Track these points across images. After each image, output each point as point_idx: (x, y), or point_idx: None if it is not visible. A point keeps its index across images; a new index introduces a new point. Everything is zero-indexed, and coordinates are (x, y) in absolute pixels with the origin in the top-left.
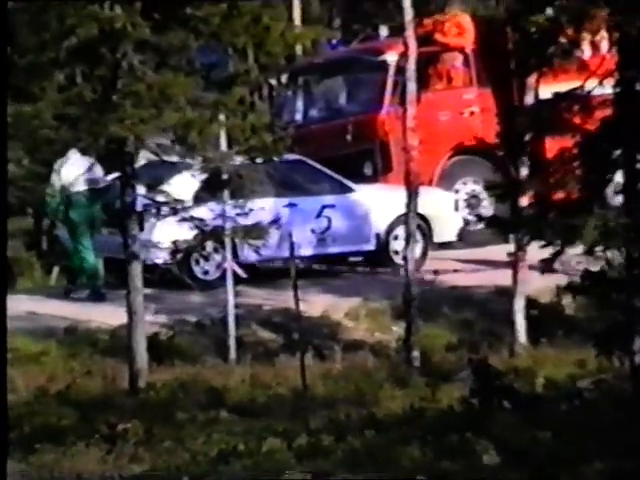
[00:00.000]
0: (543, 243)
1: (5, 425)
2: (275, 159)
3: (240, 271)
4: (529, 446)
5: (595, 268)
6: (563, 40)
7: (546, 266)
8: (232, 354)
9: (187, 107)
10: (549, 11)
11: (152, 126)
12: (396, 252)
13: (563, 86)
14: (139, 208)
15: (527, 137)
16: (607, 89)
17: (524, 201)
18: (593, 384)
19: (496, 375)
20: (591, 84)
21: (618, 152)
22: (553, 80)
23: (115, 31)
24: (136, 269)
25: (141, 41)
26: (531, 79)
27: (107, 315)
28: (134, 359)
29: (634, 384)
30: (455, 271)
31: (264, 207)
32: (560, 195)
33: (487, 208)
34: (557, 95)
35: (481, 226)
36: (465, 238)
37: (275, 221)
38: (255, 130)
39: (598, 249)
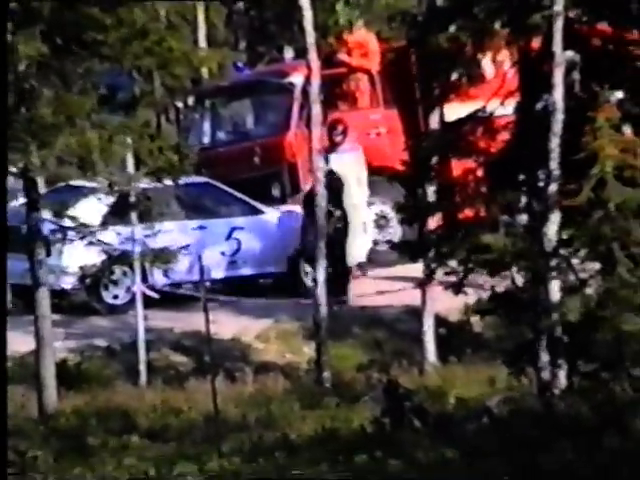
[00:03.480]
0: (448, 270)
1: (5, 426)
2: (183, 181)
3: (151, 292)
4: (439, 465)
5: (501, 287)
6: (463, 61)
7: (455, 289)
8: (143, 378)
9: (91, 131)
10: (451, 30)
11: (56, 151)
12: (306, 274)
13: (468, 107)
14: (46, 233)
15: (433, 159)
16: (509, 110)
17: (432, 223)
18: (502, 402)
19: (406, 395)
20: (493, 105)
21: (521, 173)
22: (458, 100)
23: (18, 56)
24: (43, 295)
25: (43, 65)
26: (436, 100)
27: (14, 342)
28: (43, 386)
29: (542, 401)
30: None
31: (173, 230)
32: (467, 216)
33: (395, 228)
34: (461, 118)
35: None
36: (374, 258)
37: (185, 247)
38: (162, 151)
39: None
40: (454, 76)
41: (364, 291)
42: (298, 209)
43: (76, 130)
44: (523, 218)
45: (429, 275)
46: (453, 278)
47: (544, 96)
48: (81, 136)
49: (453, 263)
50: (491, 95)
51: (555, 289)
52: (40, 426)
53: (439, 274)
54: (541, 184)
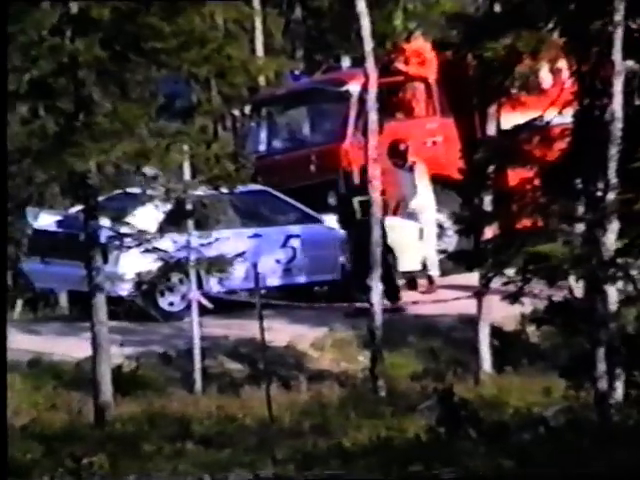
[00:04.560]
0: (506, 280)
1: (4, 427)
2: (239, 189)
3: (206, 302)
4: (495, 475)
5: (558, 297)
6: (521, 69)
7: (513, 299)
8: (198, 385)
9: (149, 138)
10: (507, 40)
11: (113, 157)
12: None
13: (525, 115)
14: (103, 240)
15: (490, 168)
16: (567, 118)
17: (489, 232)
18: (558, 412)
19: (462, 404)
20: (551, 114)
21: (579, 181)
22: (514, 109)
23: (78, 63)
24: (100, 301)
25: (102, 72)
26: (492, 109)
27: (71, 348)
28: (99, 391)
29: (599, 412)
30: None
31: (229, 238)
32: (524, 225)
33: (451, 237)
34: (517, 126)
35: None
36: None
37: (239, 254)
38: (219, 159)
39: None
40: (511, 85)
41: (419, 299)
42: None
43: (134, 138)
44: (581, 227)
45: (486, 284)
46: (510, 287)
47: (602, 104)
48: (140, 144)
49: (510, 272)
50: (549, 104)
51: (613, 299)
52: (96, 432)
53: (496, 283)
54: (599, 193)
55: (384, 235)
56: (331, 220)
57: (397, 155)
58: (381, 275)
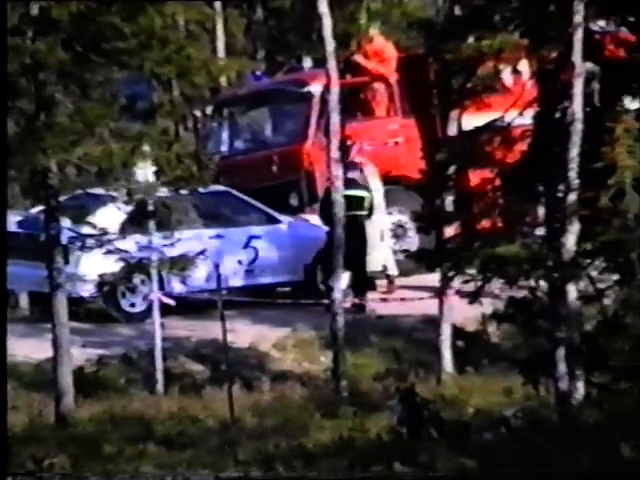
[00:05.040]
0: (466, 279)
1: (4, 428)
2: (201, 190)
3: (168, 300)
4: (457, 475)
5: (518, 296)
6: (483, 70)
7: (472, 298)
8: (160, 386)
9: (110, 139)
10: (469, 41)
11: (74, 156)
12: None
13: (485, 116)
14: (64, 241)
15: (451, 169)
16: (527, 119)
17: (449, 232)
18: (519, 412)
19: (424, 404)
20: (512, 115)
21: (539, 182)
22: (476, 110)
23: (39, 64)
24: (61, 302)
25: (63, 73)
26: (454, 110)
27: (32, 349)
28: (60, 393)
29: (560, 412)
30: (383, 300)
31: (190, 238)
32: (485, 225)
33: (413, 237)
34: (478, 127)
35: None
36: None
37: (201, 252)
38: (181, 160)
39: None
40: (472, 85)
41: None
42: (315, 218)
43: (96, 138)
44: (541, 229)
45: (446, 284)
46: (470, 287)
47: (563, 106)
48: (102, 145)
49: (470, 272)
50: (510, 105)
51: (573, 298)
52: (57, 433)
53: (456, 283)
54: (559, 194)
55: (362, 229)
56: (291, 221)
57: (343, 152)
58: (353, 268)
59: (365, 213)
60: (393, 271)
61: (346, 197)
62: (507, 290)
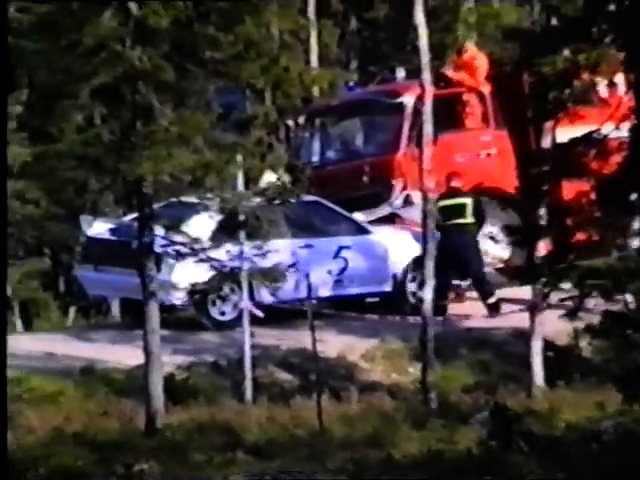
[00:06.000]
0: (563, 297)
1: (4, 427)
2: (292, 200)
3: (257, 311)
4: None
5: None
6: (578, 83)
7: (569, 316)
8: (248, 395)
9: (205, 148)
10: (565, 53)
11: (170, 166)
12: (413, 293)
13: (581, 129)
14: (157, 249)
15: (546, 184)
16: (624, 132)
17: (542, 246)
18: (612, 427)
19: (514, 418)
20: (608, 127)
21: (635, 196)
22: (570, 123)
23: (137, 72)
24: (153, 310)
25: (162, 82)
26: (548, 122)
27: (123, 355)
28: (151, 400)
29: None
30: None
31: (281, 248)
32: (578, 239)
33: (504, 249)
34: (574, 139)
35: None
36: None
37: (292, 263)
38: (273, 171)
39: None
40: (568, 98)
41: (471, 312)
42: (405, 229)
43: (191, 148)
44: (637, 241)
45: (543, 299)
46: (568, 303)
47: None
48: (197, 154)
49: (565, 286)
50: (606, 117)
51: None
52: (147, 439)
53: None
54: None
55: (475, 241)
56: (384, 231)
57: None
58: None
59: (472, 221)
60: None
61: (447, 206)
62: (600, 304)
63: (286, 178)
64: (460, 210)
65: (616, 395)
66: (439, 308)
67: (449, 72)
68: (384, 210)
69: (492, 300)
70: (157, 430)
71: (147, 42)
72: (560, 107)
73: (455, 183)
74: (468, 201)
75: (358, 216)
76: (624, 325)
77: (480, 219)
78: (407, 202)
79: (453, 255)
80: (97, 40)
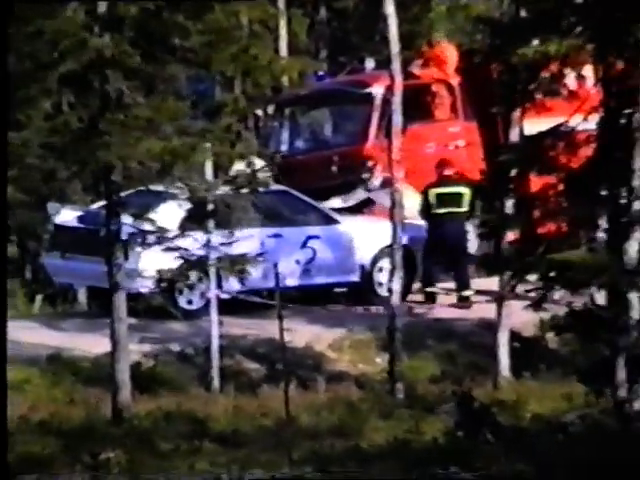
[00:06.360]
0: (529, 288)
1: (5, 426)
2: (260, 189)
3: (224, 295)
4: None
5: (579, 303)
6: (547, 74)
7: (535, 307)
8: (215, 384)
9: (173, 135)
10: (534, 44)
11: (138, 153)
12: (380, 284)
13: (548, 121)
14: (124, 237)
15: (512, 173)
16: (591, 124)
17: (510, 237)
18: (578, 418)
19: (480, 408)
20: (576, 120)
21: (603, 188)
22: (538, 115)
23: (105, 59)
24: (120, 298)
25: (130, 69)
26: (516, 114)
27: (90, 343)
28: (117, 388)
29: (618, 419)
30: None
31: (248, 237)
32: (546, 230)
33: (472, 241)
34: (542, 132)
35: None
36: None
37: (260, 253)
38: (243, 159)
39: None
40: (536, 89)
41: (438, 303)
42: (373, 219)
43: (159, 135)
44: (604, 234)
45: (511, 290)
46: (533, 294)
47: (628, 112)
48: (166, 141)
49: (532, 278)
50: (574, 110)
51: (636, 306)
52: (114, 428)
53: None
54: (623, 200)
55: (463, 231)
56: (352, 221)
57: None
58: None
59: (465, 210)
60: None
61: (444, 194)
62: (566, 297)
63: (258, 165)
64: (457, 199)
65: (581, 386)
66: (428, 296)
67: (416, 70)
68: (360, 195)
69: (467, 293)
70: (124, 419)
71: (115, 30)
72: (528, 98)
73: (447, 171)
74: (465, 190)
75: (335, 202)
76: (588, 320)
77: (472, 209)
78: (385, 185)
79: (443, 243)
80: (62, 27)
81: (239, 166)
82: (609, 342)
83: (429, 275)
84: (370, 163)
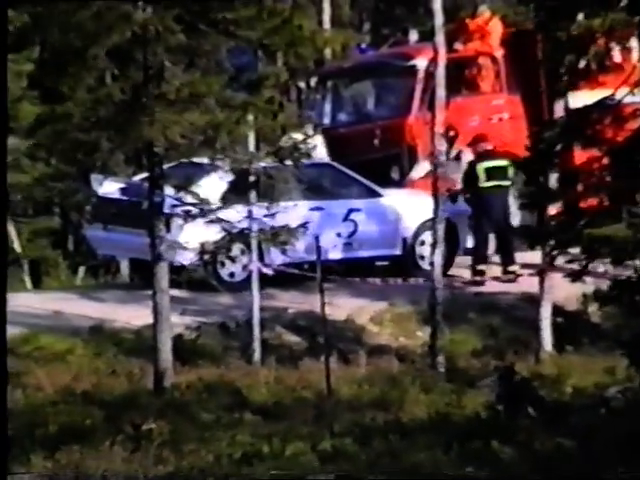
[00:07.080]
0: (570, 258)
1: (5, 425)
2: (304, 161)
3: (267, 269)
4: (554, 454)
5: (623, 276)
6: (594, 48)
7: (575, 277)
8: (257, 356)
9: (216, 108)
10: (579, 18)
11: (180, 128)
12: (422, 257)
13: (594, 94)
14: (167, 209)
15: (557, 147)
16: (638, 98)
17: (552, 210)
18: (620, 393)
19: (522, 382)
20: (622, 93)
21: None
22: (583, 88)
23: (148, 34)
24: (162, 270)
25: (172, 44)
26: (561, 87)
27: (132, 315)
28: (159, 359)
29: None
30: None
31: (291, 210)
32: (589, 204)
33: (515, 215)
34: (587, 106)
35: None
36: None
37: (303, 224)
38: (285, 130)
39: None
40: (582, 63)
41: (480, 276)
42: (415, 192)
43: (202, 108)
44: None
45: (549, 263)
46: (574, 266)
47: None
48: (209, 114)
49: (574, 251)
50: (620, 83)
51: None
52: (155, 399)
53: (559, 262)
54: None
55: (507, 204)
56: (395, 195)
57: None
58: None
59: (510, 183)
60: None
61: (492, 168)
62: (610, 270)
63: (309, 135)
64: (503, 172)
65: (625, 361)
66: (477, 272)
67: (460, 46)
68: (425, 167)
69: (513, 268)
70: (165, 390)
71: (158, 3)
72: (576, 73)
73: (487, 146)
74: (508, 163)
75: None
76: (633, 292)
77: (513, 182)
78: (457, 159)
79: (491, 217)
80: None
81: (295, 136)
82: None
83: (481, 251)
84: (451, 133)
